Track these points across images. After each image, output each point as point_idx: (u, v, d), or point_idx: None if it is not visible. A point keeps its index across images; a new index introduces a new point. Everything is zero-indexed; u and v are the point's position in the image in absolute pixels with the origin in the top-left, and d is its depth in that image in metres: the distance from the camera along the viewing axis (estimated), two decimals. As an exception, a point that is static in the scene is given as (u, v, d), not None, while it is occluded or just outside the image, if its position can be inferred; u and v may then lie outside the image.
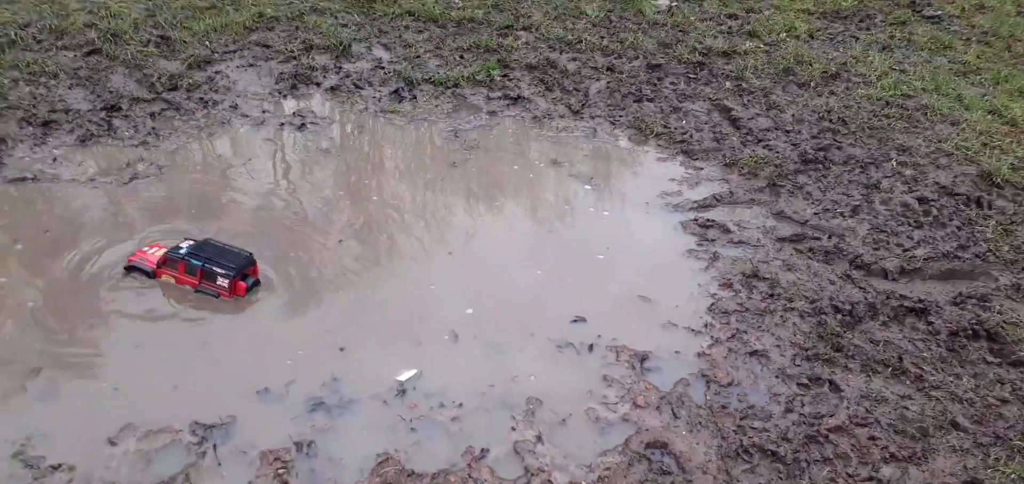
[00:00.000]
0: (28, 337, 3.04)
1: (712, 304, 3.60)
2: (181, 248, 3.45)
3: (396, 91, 5.40)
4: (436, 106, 5.29)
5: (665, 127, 5.24)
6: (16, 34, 5.23)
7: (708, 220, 4.22)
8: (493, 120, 5.25)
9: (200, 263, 3.37)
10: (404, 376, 3.09)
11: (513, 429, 2.91)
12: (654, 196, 4.44)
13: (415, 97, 5.37)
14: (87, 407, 2.79)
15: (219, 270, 3.35)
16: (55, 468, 2.54)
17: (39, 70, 4.90)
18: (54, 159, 4.20)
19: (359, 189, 4.30)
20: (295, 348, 3.16)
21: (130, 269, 3.46)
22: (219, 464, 2.63)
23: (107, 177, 4.13)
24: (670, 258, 3.94)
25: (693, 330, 3.43)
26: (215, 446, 2.69)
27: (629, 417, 2.97)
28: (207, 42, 5.57)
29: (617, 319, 3.47)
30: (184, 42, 5.53)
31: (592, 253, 3.95)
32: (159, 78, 5.04)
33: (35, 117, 4.46)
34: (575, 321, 3.47)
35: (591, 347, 3.33)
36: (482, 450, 2.80)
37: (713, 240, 4.07)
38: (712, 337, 3.40)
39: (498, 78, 5.68)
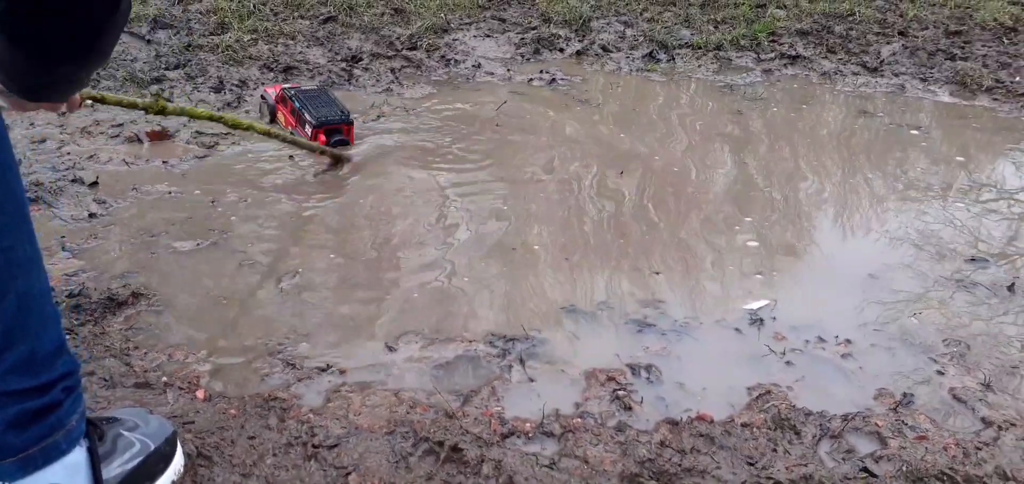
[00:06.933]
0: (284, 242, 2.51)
1: None
2: (292, 90, 3.21)
3: (650, 53, 4.71)
4: (698, 66, 4.55)
5: (997, 82, 4.17)
6: (254, 6, 5.09)
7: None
8: (770, 77, 4.41)
9: (298, 105, 3.10)
10: (755, 305, 2.25)
11: (940, 373, 1.97)
12: None
13: (673, 59, 4.65)
14: (355, 314, 2.17)
15: (308, 117, 3.04)
16: (322, 370, 1.91)
17: (277, 32, 4.66)
18: (297, 100, 3.82)
19: (635, 133, 3.56)
20: (595, 269, 2.42)
21: (264, 98, 3.36)
22: (531, 380, 1.90)
23: (354, 115, 3.68)
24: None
25: None
26: (522, 360, 1.96)
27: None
28: (442, 14, 5.19)
29: (1037, 257, 2.45)
30: (418, 14, 5.18)
31: (974, 190, 2.95)
32: (397, 38, 4.67)
33: (276, 64, 4.15)
34: (974, 260, 2.49)
35: (1011, 287, 2.34)
36: (904, 395, 1.88)
37: None
38: None
39: (766, 42, 4.85)
